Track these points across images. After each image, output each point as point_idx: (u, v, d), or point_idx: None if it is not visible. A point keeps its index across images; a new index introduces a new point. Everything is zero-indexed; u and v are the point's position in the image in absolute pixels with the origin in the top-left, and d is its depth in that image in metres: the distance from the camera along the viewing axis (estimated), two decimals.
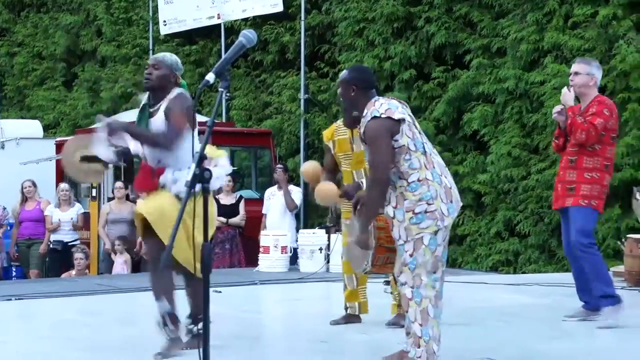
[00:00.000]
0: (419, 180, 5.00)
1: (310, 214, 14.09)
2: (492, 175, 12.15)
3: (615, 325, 6.40)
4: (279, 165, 12.24)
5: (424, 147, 5.06)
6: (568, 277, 8.06)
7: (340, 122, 6.73)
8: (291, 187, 12.03)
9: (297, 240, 11.34)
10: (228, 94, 15.69)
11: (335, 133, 6.74)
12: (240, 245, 12.29)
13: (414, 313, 4.98)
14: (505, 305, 6.94)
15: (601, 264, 6.65)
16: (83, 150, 5.86)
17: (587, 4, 11.59)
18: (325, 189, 6.48)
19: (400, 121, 5.03)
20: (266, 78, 16.03)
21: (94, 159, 5.84)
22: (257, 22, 15.65)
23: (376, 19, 13.74)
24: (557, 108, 6.80)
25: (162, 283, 5.61)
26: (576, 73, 6.78)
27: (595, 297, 6.74)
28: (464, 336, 5.99)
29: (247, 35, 4.16)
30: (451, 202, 5.04)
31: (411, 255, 5.00)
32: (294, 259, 11.27)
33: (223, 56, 4.08)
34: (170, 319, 5.55)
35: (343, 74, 5.36)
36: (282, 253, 11.08)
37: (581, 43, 11.49)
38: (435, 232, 4.99)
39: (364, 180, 6.49)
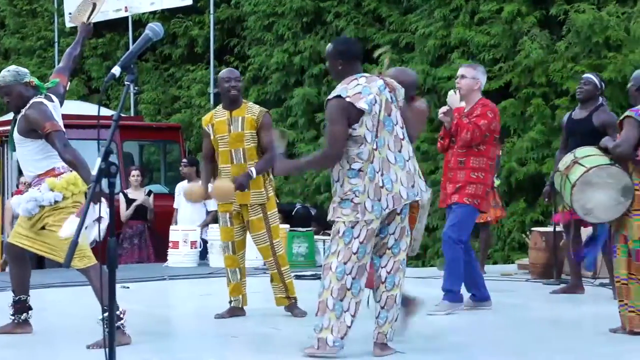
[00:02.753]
0: (359, 170, 5.10)
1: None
2: None
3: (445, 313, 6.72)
4: (183, 160, 12.20)
5: (376, 142, 5.10)
6: None
7: (219, 107, 7.05)
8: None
9: (206, 235, 11.27)
10: (135, 88, 15.51)
11: (214, 117, 7.02)
12: (149, 240, 12.17)
13: (317, 303, 5.14)
14: None
15: (459, 262, 6.82)
16: None
17: (493, 0, 11.79)
18: (222, 186, 6.57)
19: (364, 112, 5.05)
20: (175, 72, 15.90)
21: None
22: (166, 15, 15.50)
23: (285, 13, 13.75)
24: (443, 109, 7.00)
25: (18, 273, 6.02)
26: (463, 76, 7.02)
27: (480, 289, 7.02)
28: (372, 330, 6.02)
29: (154, 28, 4.11)
30: (379, 200, 5.08)
31: (330, 242, 5.17)
32: (203, 253, 11.20)
33: (129, 49, 4.02)
34: (16, 305, 6.02)
35: (328, 46, 5.38)
36: (191, 248, 11.01)
37: (487, 39, 11.68)
38: (353, 225, 5.06)
39: (251, 168, 6.63)
